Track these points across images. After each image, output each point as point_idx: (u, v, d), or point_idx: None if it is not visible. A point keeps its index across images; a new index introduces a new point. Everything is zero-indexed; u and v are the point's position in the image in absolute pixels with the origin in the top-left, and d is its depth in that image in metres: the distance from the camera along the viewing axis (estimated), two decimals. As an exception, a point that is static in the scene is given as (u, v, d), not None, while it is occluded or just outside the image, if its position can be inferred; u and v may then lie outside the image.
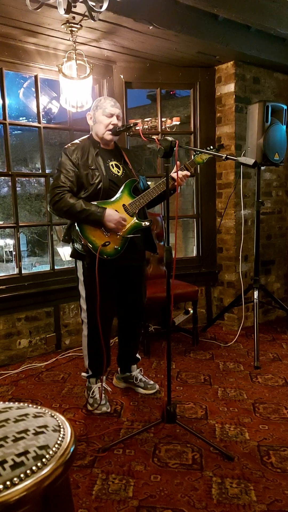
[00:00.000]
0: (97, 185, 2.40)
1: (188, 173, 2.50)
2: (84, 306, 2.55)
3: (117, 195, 2.44)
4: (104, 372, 2.61)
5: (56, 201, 2.36)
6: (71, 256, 2.54)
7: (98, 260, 2.33)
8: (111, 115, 2.45)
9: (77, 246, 2.44)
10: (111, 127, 2.45)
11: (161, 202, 2.69)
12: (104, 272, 2.42)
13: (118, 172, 2.50)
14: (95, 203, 2.38)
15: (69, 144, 2.50)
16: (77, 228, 2.38)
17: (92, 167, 2.41)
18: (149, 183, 2.83)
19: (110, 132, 2.45)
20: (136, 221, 2.47)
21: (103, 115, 2.44)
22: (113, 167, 2.49)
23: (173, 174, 2.42)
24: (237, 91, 3.82)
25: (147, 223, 2.50)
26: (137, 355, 2.85)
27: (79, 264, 2.52)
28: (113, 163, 2.50)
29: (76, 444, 1.08)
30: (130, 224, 2.45)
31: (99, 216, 2.33)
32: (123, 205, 2.44)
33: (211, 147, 2.61)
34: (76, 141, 2.53)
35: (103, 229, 2.39)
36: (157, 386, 2.78)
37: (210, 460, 2.03)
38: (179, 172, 2.42)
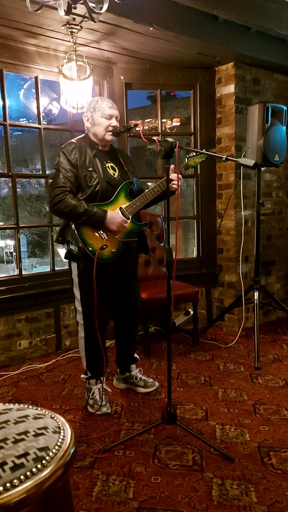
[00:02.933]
0: (95, 187, 2.39)
1: (179, 176, 2.47)
2: (79, 308, 2.54)
3: (114, 197, 2.44)
4: (103, 373, 2.61)
5: (57, 201, 2.33)
6: (65, 257, 2.52)
7: (91, 261, 2.33)
8: (111, 117, 2.44)
9: (72, 247, 2.43)
10: (110, 128, 2.44)
11: (156, 203, 2.67)
12: (99, 274, 2.42)
13: (114, 174, 2.49)
14: (93, 205, 2.39)
15: (66, 144, 2.47)
16: (75, 230, 2.37)
17: (90, 169, 2.40)
18: (149, 183, 2.83)
19: (111, 133, 2.45)
20: (133, 224, 2.47)
21: (102, 117, 2.43)
22: (109, 169, 2.48)
23: (171, 176, 2.41)
24: (237, 92, 3.82)
25: (142, 228, 2.52)
26: (135, 355, 2.85)
27: (74, 265, 2.51)
28: (110, 164, 2.50)
29: (76, 445, 1.08)
30: (127, 228, 2.45)
31: (102, 217, 2.33)
32: (120, 208, 2.43)
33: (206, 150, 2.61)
34: (73, 140, 2.51)
35: (101, 232, 2.39)
36: (157, 383, 2.79)
37: (210, 461, 2.02)
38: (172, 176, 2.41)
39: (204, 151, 2.48)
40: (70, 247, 2.45)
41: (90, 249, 2.36)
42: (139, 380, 2.78)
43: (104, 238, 2.40)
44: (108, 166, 2.48)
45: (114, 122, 2.44)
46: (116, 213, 2.38)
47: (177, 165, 2.37)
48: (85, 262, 2.39)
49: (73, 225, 2.38)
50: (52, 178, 2.40)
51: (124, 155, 2.65)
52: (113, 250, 2.41)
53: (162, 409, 2.34)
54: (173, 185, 2.39)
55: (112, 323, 2.82)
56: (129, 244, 2.48)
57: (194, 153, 2.51)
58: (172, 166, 2.33)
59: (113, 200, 2.44)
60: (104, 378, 2.67)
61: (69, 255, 2.49)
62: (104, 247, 2.37)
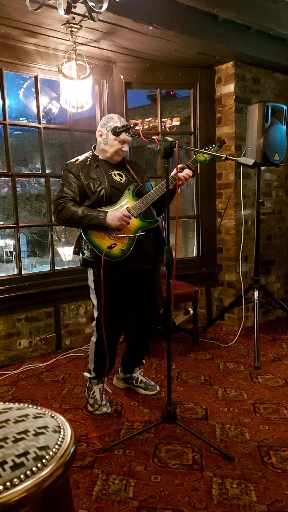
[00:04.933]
0: (99, 193, 2.42)
1: (191, 173, 2.47)
2: (95, 314, 2.54)
3: (121, 199, 2.45)
4: (106, 374, 2.61)
5: (59, 210, 2.41)
6: (81, 265, 2.55)
7: (105, 263, 2.34)
8: (124, 142, 2.47)
9: (86, 254, 2.46)
10: (121, 153, 2.49)
11: (166, 206, 2.66)
12: (115, 278, 2.43)
13: (121, 180, 2.51)
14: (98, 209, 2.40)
15: (71, 160, 2.55)
16: (82, 234, 2.41)
17: (94, 177, 2.44)
18: (152, 183, 2.82)
19: (120, 155, 2.49)
20: (142, 222, 2.46)
21: (116, 140, 2.45)
22: (115, 176, 2.50)
23: (175, 174, 2.42)
24: (237, 91, 3.82)
25: (152, 225, 2.49)
26: (143, 360, 2.85)
27: (90, 272, 2.52)
28: (115, 172, 2.52)
29: (76, 444, 1.08)
30: (135, 226, 2.44)
31: (101, 219, 2.34)
32: (127, 207, 2.44)
33: (213, 145, 2.59)
34: (78, 157, 2.57)
35: (108, 232, 2.39)
36: (158, 388, 2.78)
37: (210, 461, 2.02)
38: (184, 171, 2.42)
39: (211, 148, 2.48)
40: (85, 254, 2.48)
41: (97, 249, 2.37)
42: (140, 382, 2.78)
43: (112, 237, 2.40)
44: (113, 174, 2.51)
45: (125, 148, 2.48)
46: (115, 210, 2.39)
47: (177, 164, 2.36)
48: (99, 266, 2.38)
49: (81, 230, 2.42)
50: (57, 192, 2.49)
51: (134, 164, 2.66)
52: (122, 248, 2.40)
53: (162, 408, 2.34)
54: (182, 177, 2.39)
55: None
56: (142, 244, 2.46)
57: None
58: (179, 166, 2.34)
59: (120, 202, 2.45)
60: (106, 378, 2.67)
61: (84, 263, 2.51)
62: (113, 246, 2.38)
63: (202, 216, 4.09)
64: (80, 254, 2.53)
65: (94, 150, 2.58)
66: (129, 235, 2.42)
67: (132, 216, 2.43)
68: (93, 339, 2.58)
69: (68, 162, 2.54)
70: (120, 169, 2.55)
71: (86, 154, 2.58)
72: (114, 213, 2.36)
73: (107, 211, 2.37)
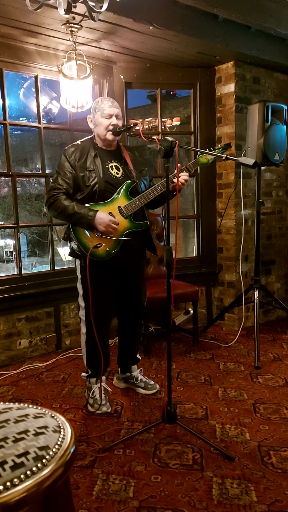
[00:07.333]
0: (93, 187, 2.40)
1: (187, 177, 2.45)
2: (82, 304, 2.56)
3: (114, 197, 2.44)
4: (103, 372, 2.61)
5: (51, 202, 2.40)
6: (69, 254, 2.55)
7: (89, 261, 2.35)
8: (110, 116, 2.44)
9: (74, 245, 2.46)
10: (111, 127, 2.44)
11: (162, 203, 2.67)
12: (100, 273, 2.43)
13: (118, 173, 2.49)
14: (88, 205, 2.38)
15: (69, 145, 2.51)
16: (70, 229, 2.41)
17: (90, 169, 2.41)
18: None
19: (111, 133, 2.45)
20: (131, 223, 2.45)
21: (102, 117, 2.44)
22: (112, 169, 2.48)
23: (173, 176, 2.41)
24: (237, 91, 3.82)
25: (141, 227, 2.49)
26: (138, 356, 2.85)
27: (77, 262, 2.54)
28: (113, 164, 2.49)
29: (76, 444, 1.08)
30: (124, 227, 2.44)
31: (90, 219, 2.33)
32: (118, 207, 2.42)
33: (219, 146, 2.57)
34: (77, 142, 2.54)
35: (96, 230, 2.39)
36: (158, 386, 2.78)
37: (210, 461, 2.02)
38: (182, 176, 2.41)
39: (214, 150, 2.47)
40: (73, 244, 2.47)
41: (84, 247, 2.38)
42: (140, 381, 2.78)
43: (99, 236, 2.39)
44: (111, 166, 2.48)
45: (114, 121, 2.44)
46: (104, 214, 2.36)
47: (177, 164, 2.36)
48: (85, 259, 2.40)
49: (70, 224, 2.41)
50: (52, 180, 2.47)
51: (134, 153, 2.62)
52: (107, 249, 2.40)
53: (162, 408, 2.34)
54: (179, 182, 2.36)
55: (116, 321, 2.81)
56: (130, 243, 2.47)
57: (199, 153, 2.51)
58: (178, 165, 2.33)
59: (113, 199, 2.43)
60: (104, 377, 2.67)
61: (72, 252, 2.52)
62: (98, 245, 2.37)
63: (202, 216, 4.09)
64: (69, 243, 2.52)
65: (94, 140, 2.55)
66: (115, 237, 2.40)
67: (122, 216, 2.42)
68: (83, 330, 2.59)
69: (66, 148, 2.48)
70: (118, 161, 2.52)
71: (87, 138, 2.55)
72: (102, 217, 2.33)
73: (97, 211, 2.35)
